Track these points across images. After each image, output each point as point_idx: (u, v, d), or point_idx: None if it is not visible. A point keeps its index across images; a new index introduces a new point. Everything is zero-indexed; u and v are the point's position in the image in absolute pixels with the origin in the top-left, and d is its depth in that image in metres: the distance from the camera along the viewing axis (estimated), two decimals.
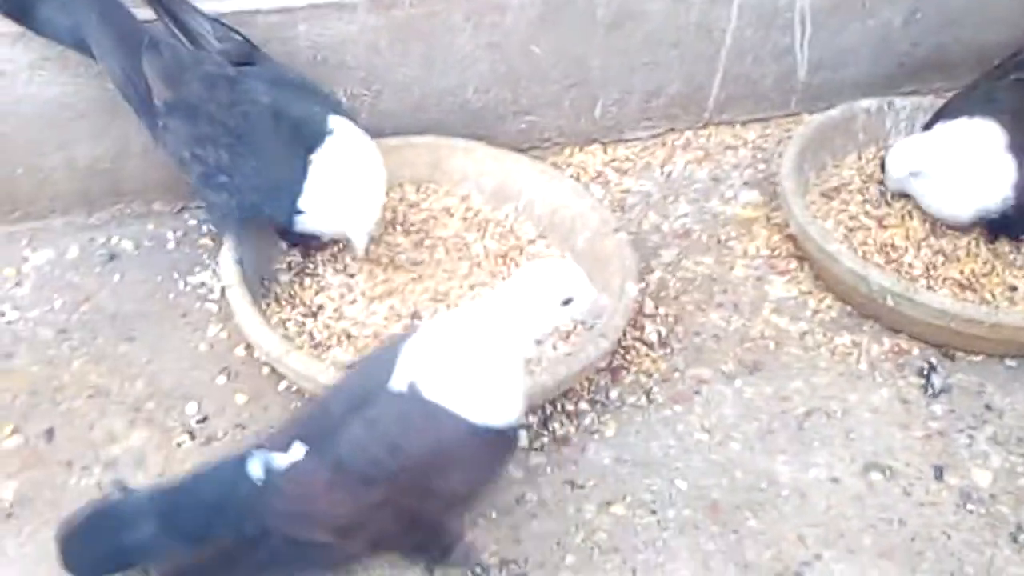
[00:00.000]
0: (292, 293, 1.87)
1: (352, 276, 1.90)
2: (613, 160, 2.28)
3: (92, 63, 1.82)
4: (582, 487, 1.70)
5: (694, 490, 1.70)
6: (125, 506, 1.46)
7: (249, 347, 1.80)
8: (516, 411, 1.43)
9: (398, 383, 1.39)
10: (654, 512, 1.67)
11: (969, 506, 1.71)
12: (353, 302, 1.86)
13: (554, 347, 1.84)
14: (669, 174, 2.26)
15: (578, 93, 2.21)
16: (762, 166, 2.28)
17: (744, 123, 2.37)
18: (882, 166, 2.09)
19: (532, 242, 2.03)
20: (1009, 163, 1.94)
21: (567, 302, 1.41)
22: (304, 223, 1.80)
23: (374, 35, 1.99)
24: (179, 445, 1.70)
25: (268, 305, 1.84)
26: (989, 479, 1.75)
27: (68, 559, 1.44)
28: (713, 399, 1.84)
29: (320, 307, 1.85)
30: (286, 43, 1.95)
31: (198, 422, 1.73)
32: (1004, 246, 2.03)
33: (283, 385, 1.78)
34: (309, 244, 1.91)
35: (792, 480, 1.73)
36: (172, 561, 1.43)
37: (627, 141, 2.30)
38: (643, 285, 1.99)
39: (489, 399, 1.38)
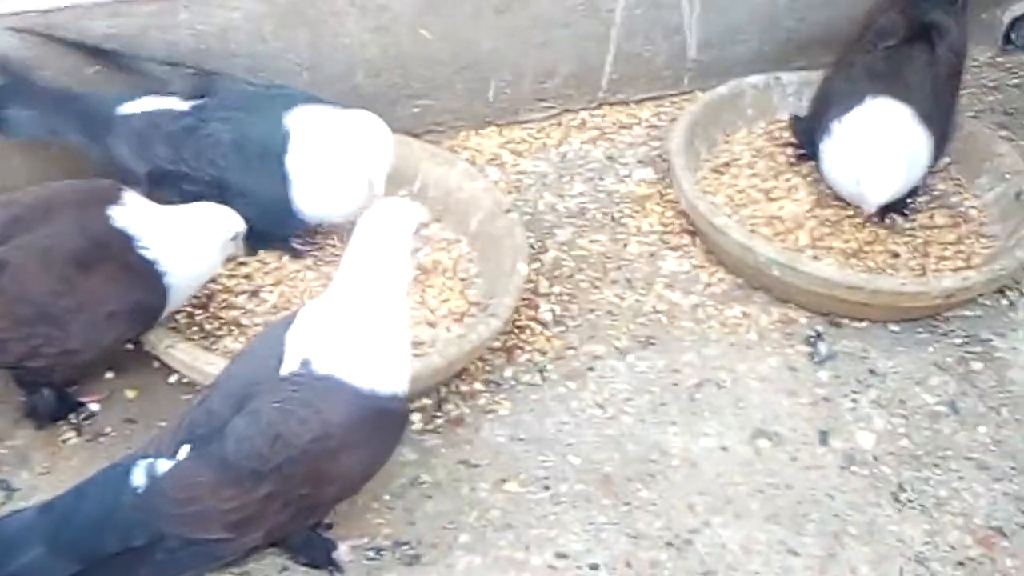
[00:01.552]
0: None
1: (243, 265, 1.89)
2: (509, 142, 2.29)
3: None
4: (476, 466, 1.71)
5: (587, 464, 1.73)
6: (8, 530, 1.40)
7: (137, 340, 1.77)
8: (406, 376, 1.44)
9: (289, 366, 1.38)
10: (547, 488, 1.69)
11: (853, 468, 1.75)
12: (243, 292, 1.84)
13: (447, 329, 1.85)
14: (564, 154, 2.28)
15: (470, 76, 2.22)
16: (656, 144, 2.31)
17: (638, 102, 2.40)
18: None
19: (426, 225, 2.03)
20: (923, 134, 1.99)
21: (417, 231, 1.45)
22: (314, 219, 1.83)
23: (258, 22, 1.98)
24: (65, 442, 1.68)
25: None
26: (872, 441, 1.80)
27: None
28: (606, 375, 1.87)
29: (209, 297, 1.83)
30: (167, 31, 1.93)
31: (85, 418, 1.70)
32: (895, 216, 2.08)
33: (173, 378, 1.77)
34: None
35: (682, 450, 1.76)
36: None
37: (522, 123, 2.32)
38: (537, 264, 2.01)
39: (381, 364, 1.40)
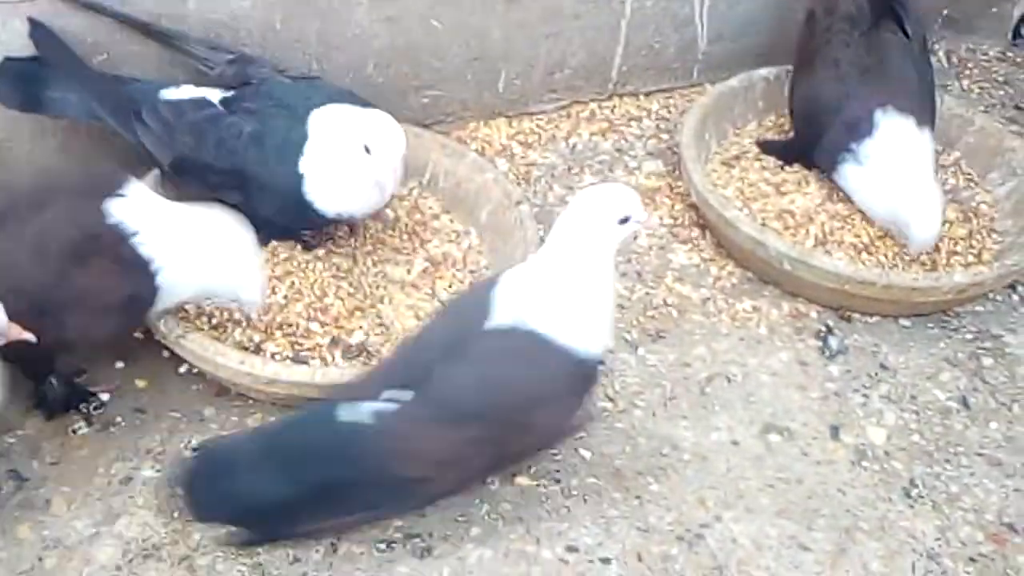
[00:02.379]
0: None
1: None
2: (518, 133, 2.27)
3: None
4: None
5: (597, 458, 1.72)
6: (236, 452, 1.52)
7: (147, 330, 1.77)
8: (606, 340, 1.53)
9: (500, 319, 1.45)
10: (558, 481, 1.68)
11: (864, 463, 1.75)
12: None
13: None
14: (574, 146, 2.27)
15: (480, 67, 2.21)
16: (665, 136, 2.30)
17: (648, 94, 2.38)
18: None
19: (436, 216, 2.03)
20: (927, 136, 1.99)
21: (624, 220, 1.49)
22: (328, 215, 1.82)
23: (268, 12, 1.96)
24: (75, 432, 1.67)
25: None
26: (883, 436, 1.79)
27: (194, 505, 1.50)
28: (617, 368, 1.86)
29: None
30: (177, 22, 1.91)
31: (95, 408, 1.70)
32: None
33: (183, 368, 1.76)
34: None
35: (693, 444, 1.76)
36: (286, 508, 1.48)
37: (532, 114, 2.30)
38: None
39: (585, 326, 1.48)
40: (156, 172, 1.85)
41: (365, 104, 1.83)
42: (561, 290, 1.47)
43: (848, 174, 2.01)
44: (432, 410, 1.45)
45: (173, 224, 1.63)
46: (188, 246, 1.62)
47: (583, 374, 1.51)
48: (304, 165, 1.78)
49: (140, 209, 1.61)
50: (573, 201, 1.53)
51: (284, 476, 1.47)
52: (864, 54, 2.03)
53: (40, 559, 1.51)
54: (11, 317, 1.44)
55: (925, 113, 2.01)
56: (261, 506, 1.48)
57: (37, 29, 1.81)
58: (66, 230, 1.55)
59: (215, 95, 1.82)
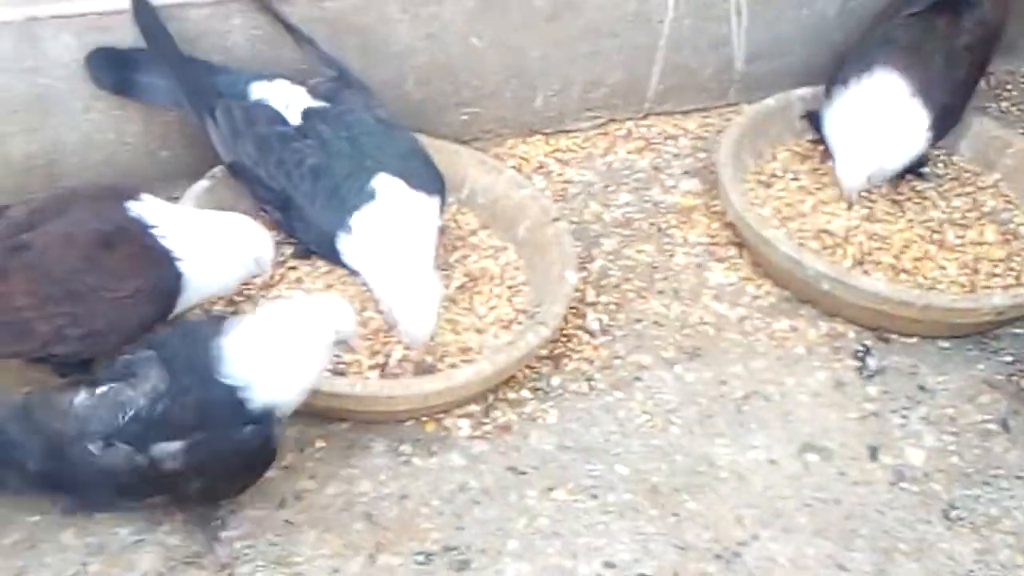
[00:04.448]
0: None
1: (293, 268, 1.90)
2: (555, 150, 2.29)
3: (22, 59, 1.83)
4: (524, 473, 1.71)
5: (634, 474, 1.72)
6: None
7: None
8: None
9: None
10: (595, 497, 1.69)
11: (903, 484, 1.74)
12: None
13: (495, 336, 1.85)
14: (610, 164, 2.28)
15: (518, 84, 2.23)
16: (702, 155, 2.30)
17: (684, 113, 2.39)
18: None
19: (474, 232, 2.04)
20: (920, 110, 2.02)
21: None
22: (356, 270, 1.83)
23: (309, 28, 1.98)
24: None
25: None
26: (922, 458, 1.78)
27: None
28: (653, 385, 1.86)
29: (253, 297, 1.84)
30: (221, 37, 1.94)
31: None
32: (945, 232, 2.07)
33: None
34: None
35: (730, 462, 1.75)
36: None
37: (569, 132, 2.32)
38: (584, 274, 2.01)
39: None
40: (202, 183, 1.88)
41: (432, 175, 1.86)
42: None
43: (823, 121, 2.10)
44: None
45: (189, 223, 1.68)
46: (206, 241, 1.67)
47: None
48: (355, 221, 1.78)
49: (157, 209, 1.67)
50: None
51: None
52: (898, 29, 2.09)
53: (84, 564, 1.52)
54: (45, 305, 1.53)
55: (931, 91, 2.02)
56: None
57: (141, 9, 1.85)
58: (92, 223, 1.61)
59: (300, 102, 1.86)
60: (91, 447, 1.43)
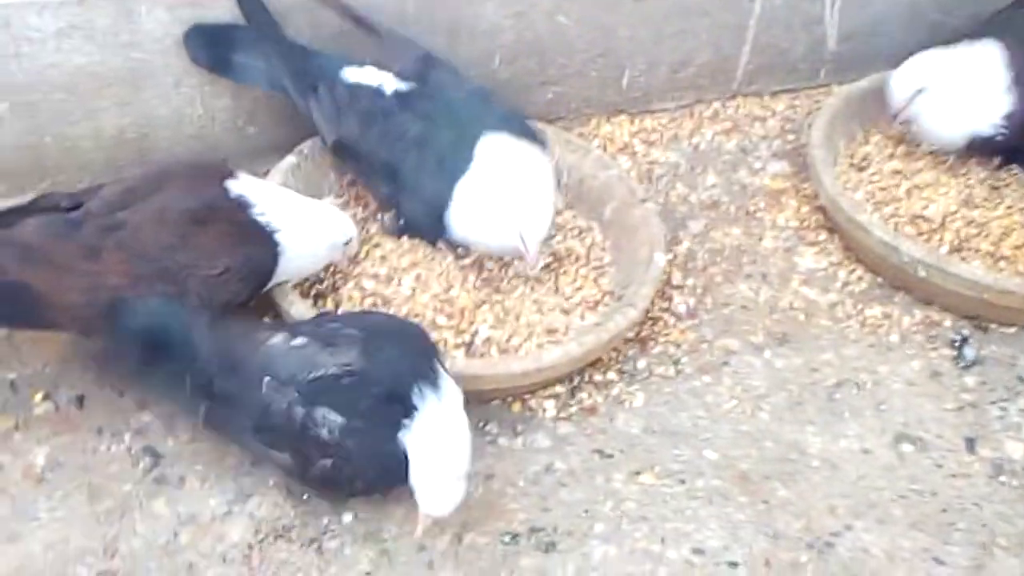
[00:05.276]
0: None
1: (377, 246, 1.89)
2: (640, 131, 2.25)
3: (117, 33, 1.84)
4: (611, 456, 1.69)
5: (723, 460, 1.69)
6: None
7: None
8: None
9: None
10: (683, 482, 1.66)
11: (1001, 478, 1.69)
12: (375, 276, 1.84)
13: (582, 317, 1.83)
14: (697, 145, 2.24)
15: (605, 63, 2.19)
16: (791, 137, 2.25)
17: (773, 94, 2.34)
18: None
19: (560, 212, 2.02)
20: (1007, 84, 1.95)
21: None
22: (460, 241, 1.84)
23: (401, 4, 1.98)
24: None
25: None
26: (1022, 451, 1.73)
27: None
28: (742, 370, 1.83)
29: (342, 274, 1.84)
30: (312, 13, 1.94)
31: None
32: None
33: None
34: None
35: (822, 451, 1.71)
36: None
37: (654, 112, 2.28)
38: (671, 256, 1.98)
39: None
40: (289, 158, 1.88)
41: (531, 132, 1.84)
42: None
43: None
44: None
45: (285, 201, 1.71)
46: (301, 220, 1.69)
47: None
48: (459, 189, 1.78)
49: (255, 187, 1.69)
50: None
51: None
52: (1010, 9, 2.05)
53: (175, 534, 1.54)
54: (137, 284, 1.56)
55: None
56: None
57: None
58: (185, 201, 1.63)
59: (391, 84, 1.85)
60: (265, 379, 1.47)
